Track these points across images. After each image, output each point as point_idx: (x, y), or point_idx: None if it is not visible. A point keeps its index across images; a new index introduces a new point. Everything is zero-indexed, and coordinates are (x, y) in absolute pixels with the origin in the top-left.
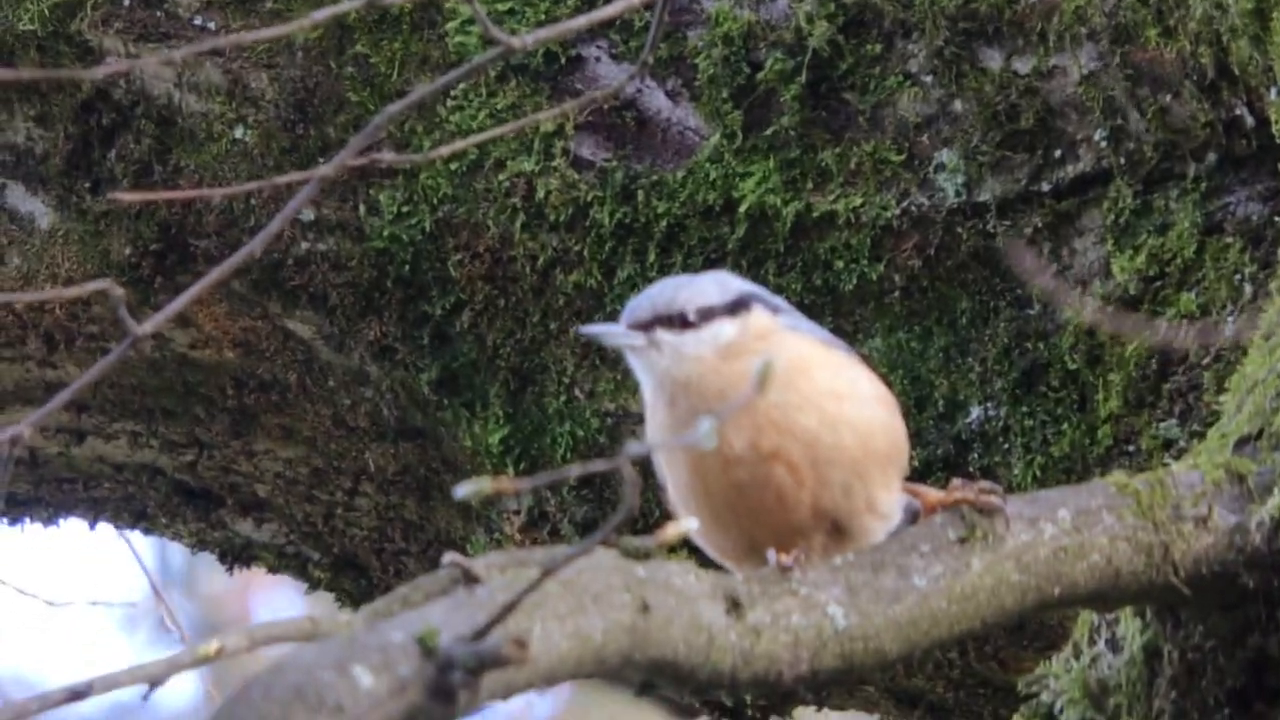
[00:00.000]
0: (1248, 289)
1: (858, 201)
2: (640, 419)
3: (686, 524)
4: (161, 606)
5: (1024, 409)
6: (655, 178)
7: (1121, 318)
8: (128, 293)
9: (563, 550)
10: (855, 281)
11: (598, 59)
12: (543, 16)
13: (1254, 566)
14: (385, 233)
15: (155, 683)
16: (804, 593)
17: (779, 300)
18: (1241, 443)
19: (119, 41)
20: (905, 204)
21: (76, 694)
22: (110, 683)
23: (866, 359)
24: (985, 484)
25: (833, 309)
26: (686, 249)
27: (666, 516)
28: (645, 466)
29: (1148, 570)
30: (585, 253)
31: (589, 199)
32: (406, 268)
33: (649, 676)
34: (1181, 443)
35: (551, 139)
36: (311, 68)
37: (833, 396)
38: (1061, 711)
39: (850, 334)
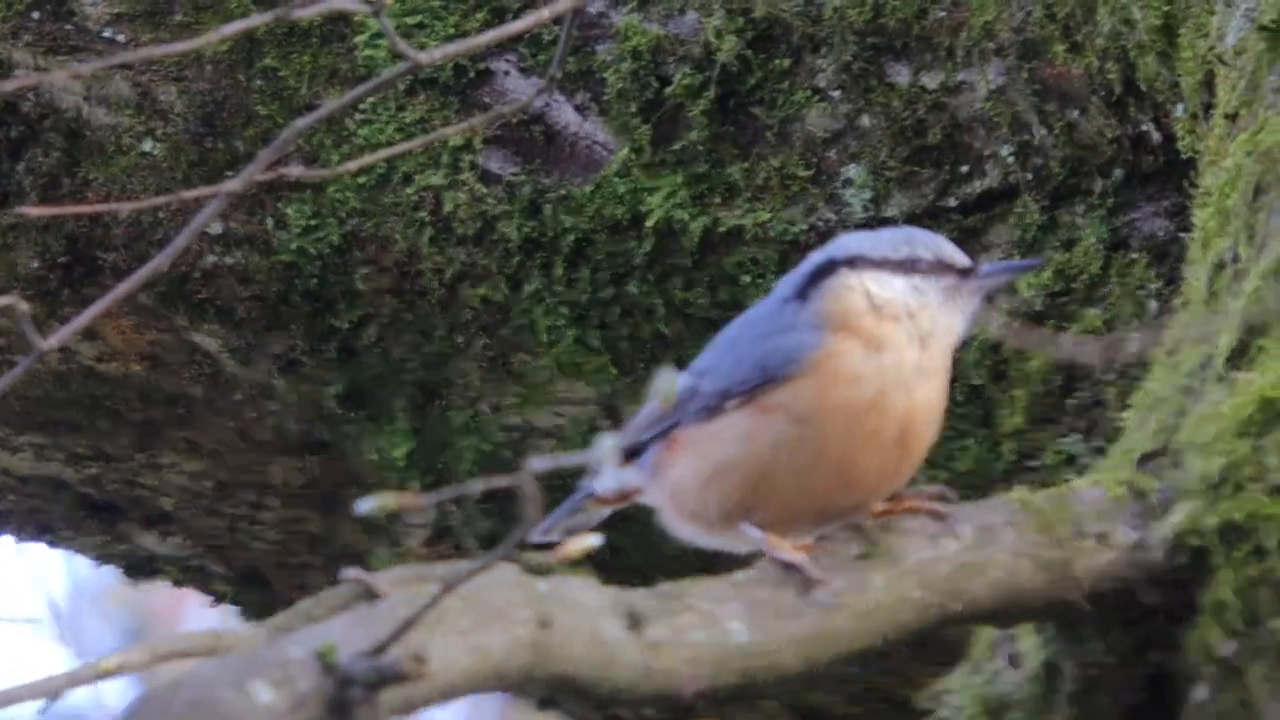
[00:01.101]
0: (1153, 305)
1: (765, 216)
2: (545, 433)
3: (588, 540)
4: (56, 621)
5: None
6: (563, 192)
7: (1026, 333)
8: (34, 306)
9: (464, 566)
10: (761, 295)
11: (507, 73)
12: (452, 30)
13: (1154, 583)
14: (293, 246)
15: (52, 697)
16: (705, 608)
17: None
18: (1144, 459)
19: (28, 54)
20: (812, 219)
21: None
22: (8, 698)
23: None
24: (935, 489)
25: None
26: (594, 263)
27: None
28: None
29: (1049, 587)
30: (492, 267)
31: (496, 213)
32: (314, 281)
33: (550, 691)
34: (1085, 459)
35: (460, 153)
36: (220, 81)
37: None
38: None
39: None
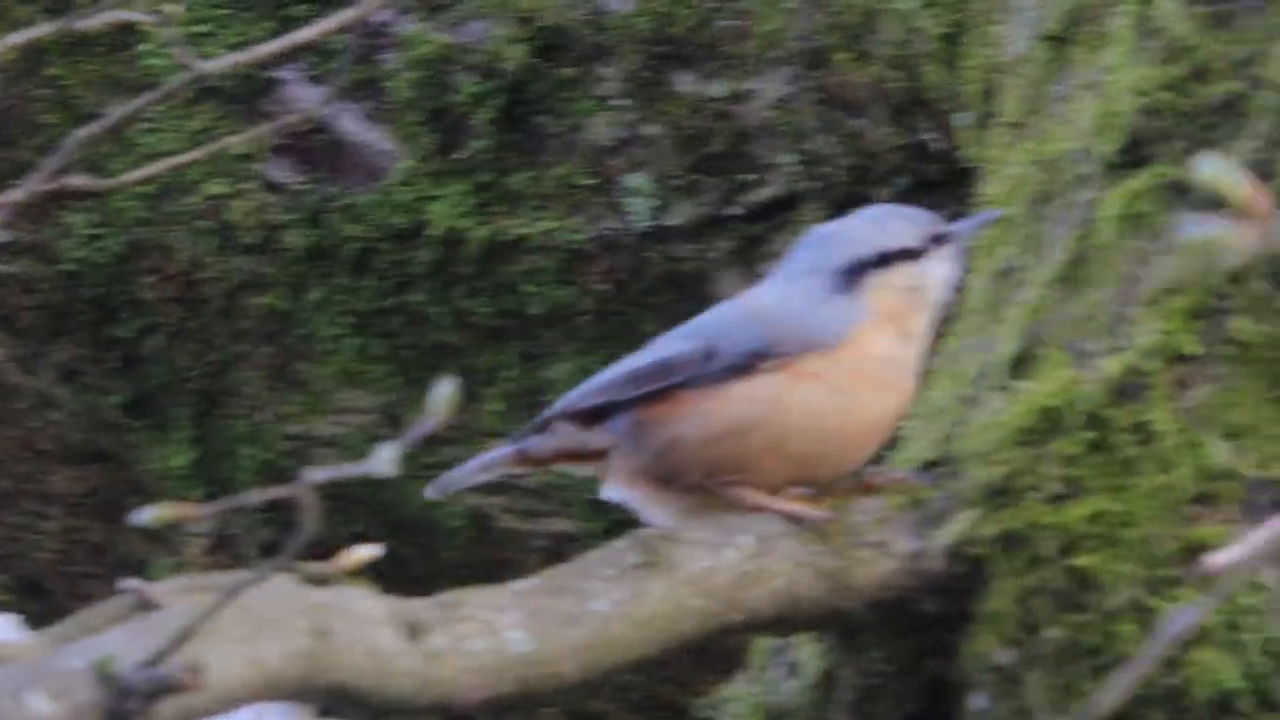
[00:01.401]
0: None
1: (549, 225)
2: (326, 441)
3: (369, 550)
4: None
5: None
6: (347, 200)
7: None
8: None
9: (243, 576)
10: (545, 305)
11: (292, 82)
12: (238, 39)
13: (932, 592)
14: (76, 255)
15: None
16: (484, 617)
17: None
18: (924, 468)
19: None
20: (596, 228)
21: None
22: None
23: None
24: (895, 471)
25: (522, 332)
26: (377, 272)
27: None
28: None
29: (828, 596)
30: (276, 275)
31: (280, 222)
32: (98, 290)
33: (328, 701)
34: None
35: (244, 162)
36: (5, 90)
37: None
38: None
39: (539, 357)
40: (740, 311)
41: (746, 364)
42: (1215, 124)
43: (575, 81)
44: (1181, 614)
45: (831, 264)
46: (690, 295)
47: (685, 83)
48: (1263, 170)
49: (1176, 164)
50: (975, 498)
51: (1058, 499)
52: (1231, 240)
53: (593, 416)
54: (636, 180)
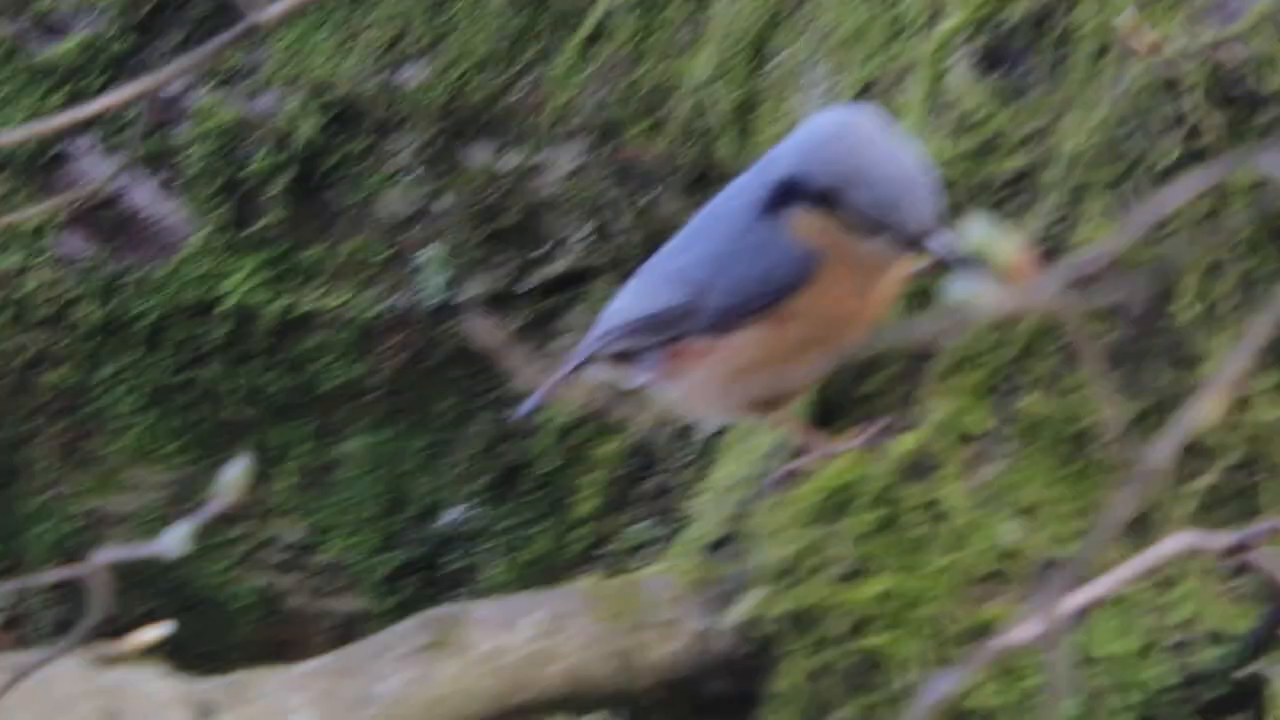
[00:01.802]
0: None
1: (341, 300)
2: (118, 519)
3: (158, 629)
4: None
5: (503, 509)
6: (141, 274)
7: (612, 410)
8: None
9: (31, 657)
10: (337, 381)
11: (85, 154)
12: (30, 110)
13: (721, 672)
14: None
15: None
16: (273, 699)
17: None
18: (713, 547)
19: None
20: (389, 302)
21: None
22: None
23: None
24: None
25: (314, 408)
26: (171, 347)
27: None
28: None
29: (618, 675)
30: (69, 350)
31: (74, 295)
32: None
33: None
34: (656, 545)
35: (36, 235)
36: None
37: None
38: None
39: (332, 433)
40: (712, 255)
41: (734, 320)
42: (1007, 196)
43: (368, 154)
44: (937, 682)
45: (750, 199)
46: (483, 370)
47: (478, 156)
48: (1055, 243)
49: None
50: (764, 576)
51: (847, 578)
52: (993, 299)
53: (623, 356)
54: (429, 254)
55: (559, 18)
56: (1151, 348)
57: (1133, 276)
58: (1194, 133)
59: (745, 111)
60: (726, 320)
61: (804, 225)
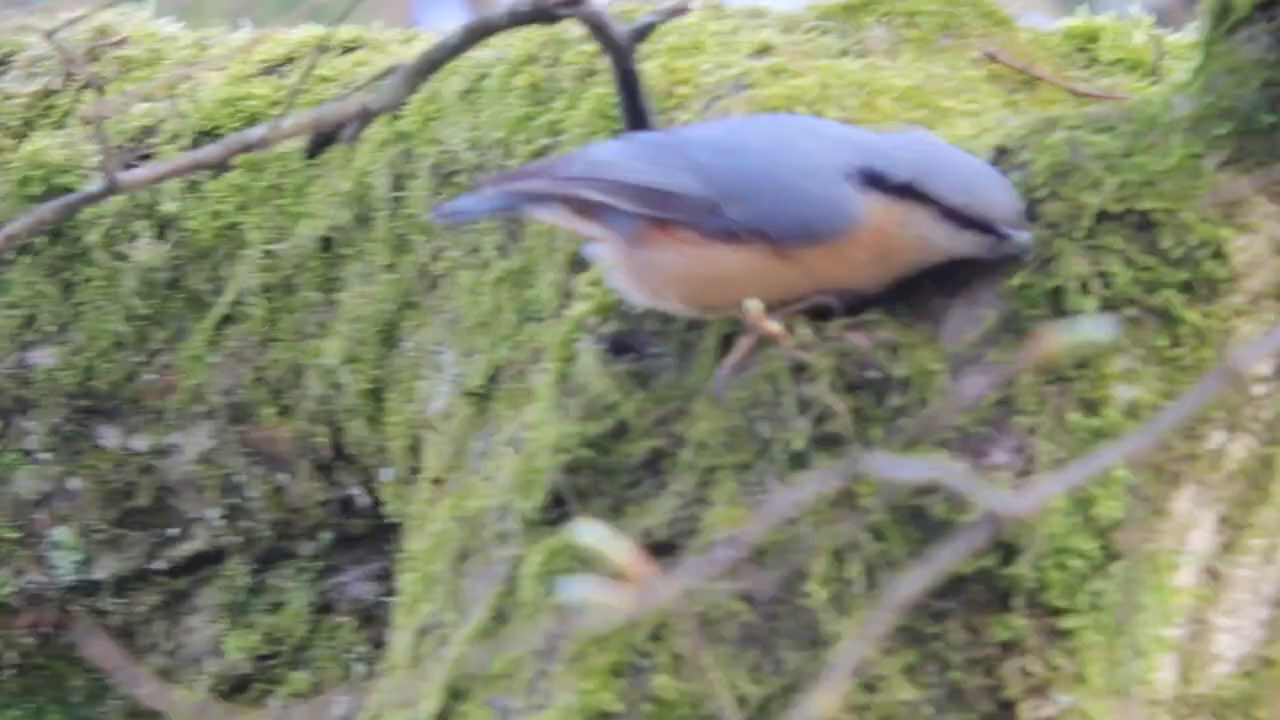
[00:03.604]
0: (359, 668)
1: None
2: None
3: None
4: None
5: None
6: None
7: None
8: None
9: None
10: None
11: None
12: None
13: None
14: None
15: None
16: None
17: None
18: None
19: None
20: (21, 581)
21: None
22: None
23: None
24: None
25: None
26: None
27: None
28: None
29: None
30: None
31: None
32: None
33: None
34: None
35: None
36: None
37: None
38: None
39: None
40: (750, 170)
41: (748, 237)
42: (637, 481)
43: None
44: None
45: (836, 159)
46: (118, 648)
47: (109, 437)
48: (686, 527)
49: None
50: None
51: None
52: (609, 602)
53: (591, 207)
54: (61, 534)
55: (190, 301)
56: (783, 629)
57: (764, 560)
58: (823, 417)
59: (376, 395)
60: (734, 233)
61: (880, 215)
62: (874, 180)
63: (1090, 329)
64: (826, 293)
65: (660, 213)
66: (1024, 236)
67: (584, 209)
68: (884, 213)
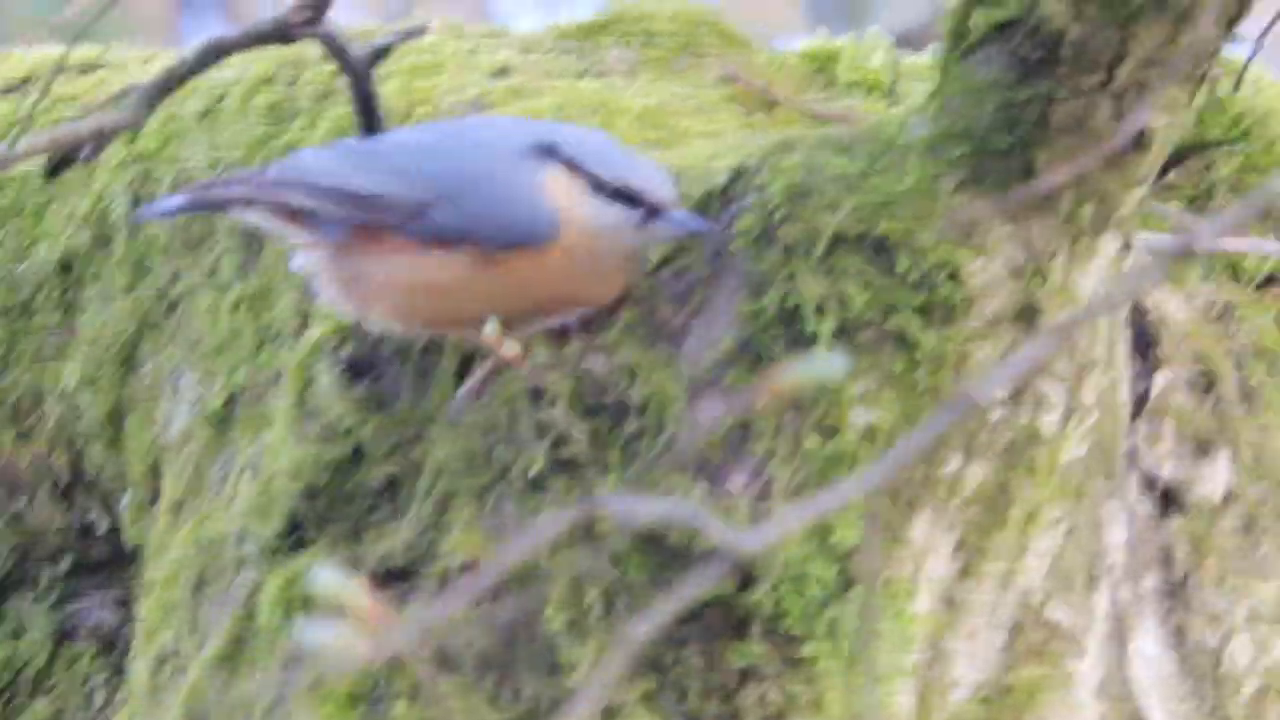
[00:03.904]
0: (99, 696)
1: None
2: None
3: None
4: None
5: None
6: None
7: None
8: None
9: None
10: None
11: None
12: None
13: None
14: None
15: None
16: None
17: None
18: None
19: None
20: None
21: None
22: None
23: None
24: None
25: None
26: None
27: None
28: None
29: None
30: None
31: None
32: None
33: None
34: None
35: None
36: None
37: None
38: None
39: None
40: (457, 172)
41: (455, 240)
42: (375, 506)
43: None
44: None
45: (515, 142)
46: None
47: None
48: (424, 553)
49: (337, 547)
50: None
51: None
52: (345, 647)
53: (296, 213)
54: None
55: None
56: (521, 656)
57: (502, 587)
58: (560, 441)
59: (116, 418)
60: (444, 236)
61: (555, 184)
62: (548, 152)
63: (823, 364)
64: (559, 311)
65: (368, 216)
66: (690, 218)
67: (291, 215)
68: (558, 181)
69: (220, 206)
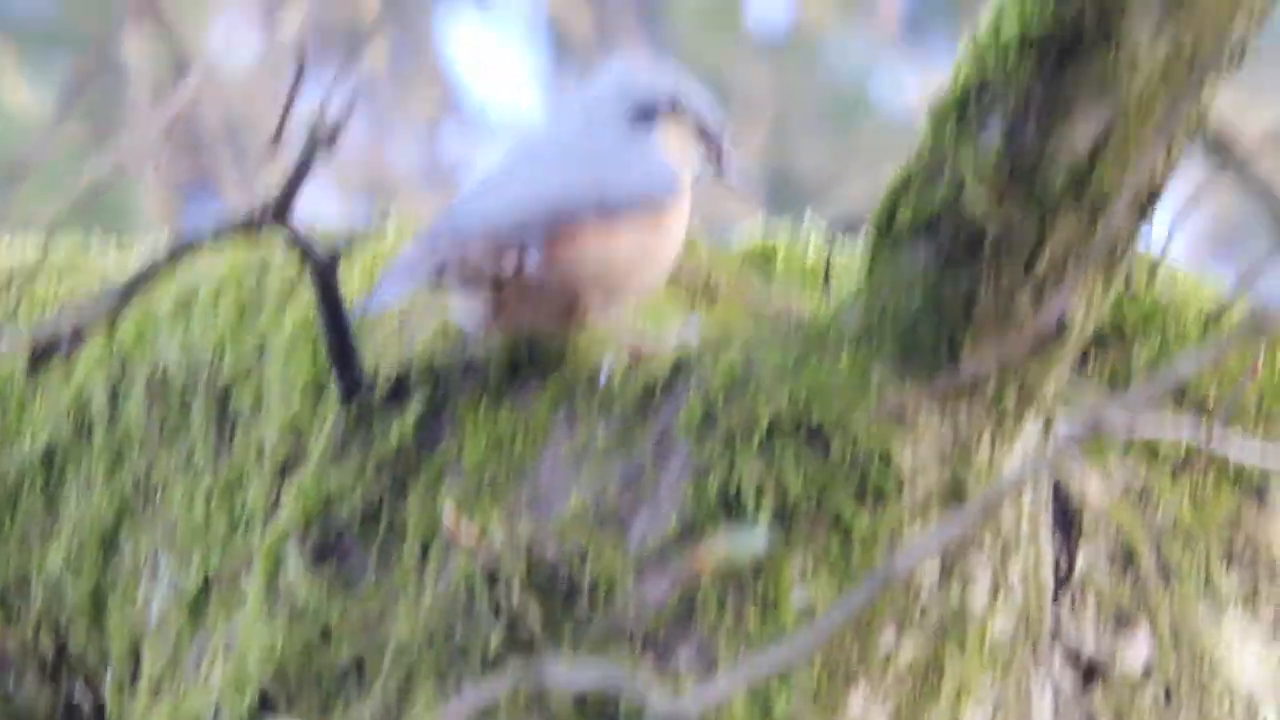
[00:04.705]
0: None
1: None
2: None
3: None
4: None
5: None
6: None
7: None
8: None
9: None
10: None
11: None
12: None
13: None
14: None
15: None
16: None
17: None
18: None
19: None
20: None
21: None
22: None
23: None
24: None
25: None
26: None
27: None
28: None
29: None
30: None
31: None
32: None
33: None
34: None
35: None
36: None
37: None
38: None
39: None
40: (588, 154)
41: (619, 216)
42: (342, 684)
43: None
44: None
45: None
46: None
47: None
48: None
49: None
50: None
51: None
52: None
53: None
54: None
55: None
56: None
57: None
58: (515, 622)
59: (98, 600)
60: (615, 216)
61: (671, 133)
62: (649, 108)
63: (746, 538)
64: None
65: (558, 219)
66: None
67: (469, 272)
68: (672, 129)
69: (433, 277)
